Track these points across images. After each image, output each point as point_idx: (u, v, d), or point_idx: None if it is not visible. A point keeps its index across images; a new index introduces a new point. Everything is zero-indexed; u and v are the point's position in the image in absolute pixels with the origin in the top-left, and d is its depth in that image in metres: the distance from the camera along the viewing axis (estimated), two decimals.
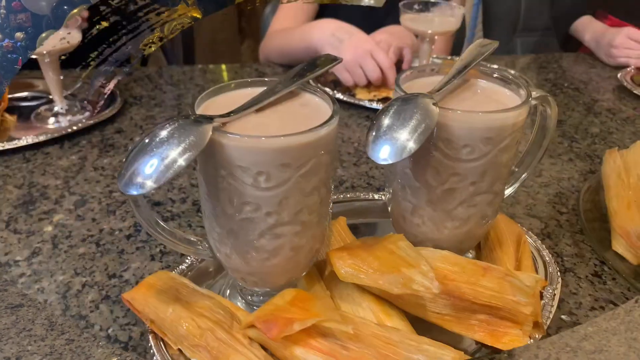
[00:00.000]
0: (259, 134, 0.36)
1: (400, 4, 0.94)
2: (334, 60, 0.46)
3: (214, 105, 0.42)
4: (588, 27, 1.22)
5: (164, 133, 0.34)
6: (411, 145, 0.37)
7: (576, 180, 0.71)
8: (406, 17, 0.91)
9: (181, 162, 0.33)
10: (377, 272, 0.43)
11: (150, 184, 0.33)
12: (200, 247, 0.45)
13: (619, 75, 1.03)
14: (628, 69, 1.07)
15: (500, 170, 0.44)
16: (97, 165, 0.72)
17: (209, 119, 0.36)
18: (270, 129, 0.38)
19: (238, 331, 0.42)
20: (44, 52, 0.76)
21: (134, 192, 0.33)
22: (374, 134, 0.38)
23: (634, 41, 1.09)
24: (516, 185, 0.52)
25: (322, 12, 1.28)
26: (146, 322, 0.44)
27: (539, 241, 0.55)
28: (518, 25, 1.55)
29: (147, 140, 0.34)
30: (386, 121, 0.38)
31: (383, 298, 0.45)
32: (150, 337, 0.43)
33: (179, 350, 0.42)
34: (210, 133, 0.35)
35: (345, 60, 0.93)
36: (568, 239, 0.59)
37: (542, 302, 0.48)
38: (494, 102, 0.45)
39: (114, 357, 0.42)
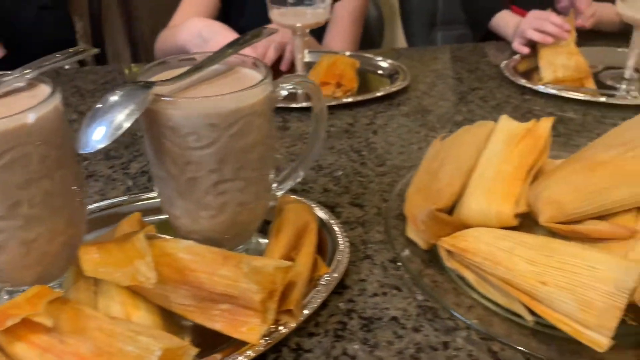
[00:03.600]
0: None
1: None
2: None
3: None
4: (509, 22, 1.19)
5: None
6: (109, 132, 0.37)
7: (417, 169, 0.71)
8: (274, 12, 0.91)
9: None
10: (115, 266, 0.42)
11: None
12: None
13: (502, 64, 1.03)
14: (515, 56, 1.08)
15: (243, 156, 0.43)
16: None
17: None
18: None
19: None
20: None
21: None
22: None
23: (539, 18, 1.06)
24: (297, 176, 0.51)
25: (229, 9, 1.27)
26: None
27: (340, 228, 0.55)
28: (437, 19, 1.55)
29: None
30: (90, 113, 0.37)
31: (137, 292, 0.45)
32: None
33: None
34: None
35: None
36: (382, 226, 0.59)
37: (317, 289, 0.48)
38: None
39: None
